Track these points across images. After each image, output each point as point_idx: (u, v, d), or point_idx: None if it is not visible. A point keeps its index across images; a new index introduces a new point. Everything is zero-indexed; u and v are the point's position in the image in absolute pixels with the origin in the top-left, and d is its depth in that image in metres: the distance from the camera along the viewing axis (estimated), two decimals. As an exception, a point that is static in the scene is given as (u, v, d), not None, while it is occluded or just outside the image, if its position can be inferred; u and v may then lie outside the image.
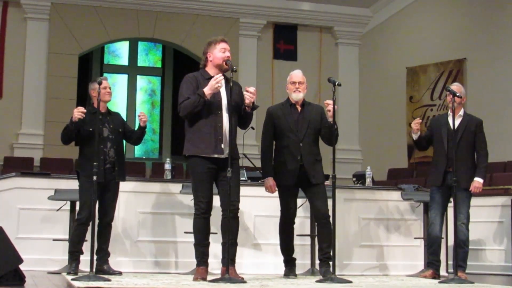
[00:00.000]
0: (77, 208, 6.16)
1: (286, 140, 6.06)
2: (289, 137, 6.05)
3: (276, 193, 6.15)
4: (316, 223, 6.18)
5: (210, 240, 5.48)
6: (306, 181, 6.03)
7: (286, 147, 6.06)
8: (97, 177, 5.61)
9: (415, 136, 6.76)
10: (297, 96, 6.13)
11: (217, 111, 5.42)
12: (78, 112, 5.93)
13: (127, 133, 6.38)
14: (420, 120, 6.75)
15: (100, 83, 5.82)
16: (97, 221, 5.95)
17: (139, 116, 6.32)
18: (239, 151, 5.91)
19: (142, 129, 6.35)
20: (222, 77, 5.37)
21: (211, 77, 5.42)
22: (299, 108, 6.15)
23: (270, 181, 6.10)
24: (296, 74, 6.20)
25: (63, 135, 6.14)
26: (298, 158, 6.01)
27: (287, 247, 6.19)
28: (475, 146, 6.58)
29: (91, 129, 6.00)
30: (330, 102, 5.78)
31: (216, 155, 5.39)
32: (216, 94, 5.40)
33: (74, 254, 6.08)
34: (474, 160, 6.58)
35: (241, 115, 5.57)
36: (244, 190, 5.75)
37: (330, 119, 5.89)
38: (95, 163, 5.46)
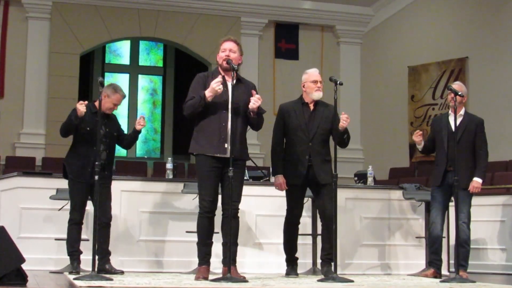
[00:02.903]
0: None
1: (295, 138, 6.04)
2: (299, 136, 6.02)
3: (280, 192, 6.14)
4: (321, 223, 6.14)
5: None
6: (314, 181, 6.00)
7: (295, 146, 6.03)
8: (85, 177, 5.64)
9: (419, 147, 6.77)
10: (319, 95, 6.09)
11: (223, 110, 5.42)
12: (82, 105, 5.87)
13: (120, 137, 6.36)
14: (420, 132, 6.72)
15: (101, 83, 5.72)
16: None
17: (139, 119, 6.27)
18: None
19: (136, 133, 6.32)
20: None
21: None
22: (312, 107, 6.13)
23: (280, 178, 6.06)
24: (316, 73, 6.15)
25: (64, 126, 6.08)
26: (306, 157, 5.98)
27: (290, 246, 6.18)
28: (475, 145, 6.57)
29: (88, 128, 5.99)
30: (346, 117, 5.82)
31: (218, 155, 5.40)
32: (224, 94, 5.40)
33: (73, 254, 6.09)
34: (475, 159, 6.57)
35: (248, 117, 5.55)
36: (245, 189, 5.73)
37: (341, 128, 5.88)
38: (97, 163, 5.43)
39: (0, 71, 12.54)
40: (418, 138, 6.69)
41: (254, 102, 5.40)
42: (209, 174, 5.41)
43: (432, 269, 6.59)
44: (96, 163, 5.39)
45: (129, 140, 6.39)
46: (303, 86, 6.15)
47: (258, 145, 12.66)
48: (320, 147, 6.03)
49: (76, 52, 13.08)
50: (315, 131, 6.02)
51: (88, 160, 5.96)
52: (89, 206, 6.21)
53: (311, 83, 6.09)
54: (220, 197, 5.49)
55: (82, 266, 6.17)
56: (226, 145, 5.37)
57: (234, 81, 5.44)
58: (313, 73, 6.15)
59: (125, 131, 6.61)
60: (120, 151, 12.01)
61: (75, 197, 6.06)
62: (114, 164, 6.31)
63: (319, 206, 6.12)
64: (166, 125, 15.82)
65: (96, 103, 6.10)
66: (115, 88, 6.23)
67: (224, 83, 5.43)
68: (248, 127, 5.63)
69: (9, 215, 6.65)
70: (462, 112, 6.61)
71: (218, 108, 5.42)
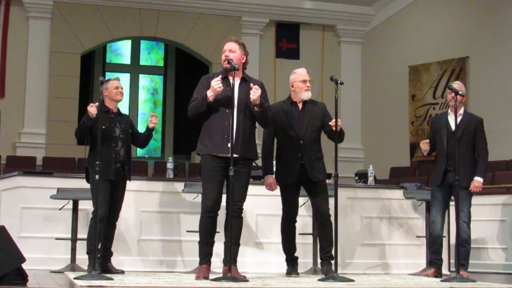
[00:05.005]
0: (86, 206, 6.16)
1: (287, 137, 6.04)
2: (290, 135, 6.03)
3: (278, 192, 6.15)
4: (317, 222, 6.16)
5: (212, 238, 5.49)
6: (307, 179, 6.00)
7: (287, 145, 6.03)
8: (107, 175, 5.65)
9: (425, 153, 6.74)
10: (308, 94, 6.08)
11: (226, 109, 5.43)
12: (93, 108, 5.91)
13: (135, 135, 6.40)
14: (428, 141, 6.68)
15: (102, 83, 5.80)
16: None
17: (151, 117, 6.33)
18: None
19: (149, 131, 6.37)
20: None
21: (225, 77, 5.48)
22: (300, 106, 6.13)
23: (270, 178, 6.09)
24: (305, 73, 6.13)
25: (78, 130, 6.13)
26: (298, 156, 5.98)
27: (289, 245, 6.18)
28: (475, 144, 6.57)
29: (104, 127, 5.99)
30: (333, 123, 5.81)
31: (221, 154, 5.41)
32: (227, 93, 5.41)
33: (92, 252, 5.98)
34: (475, 158, 6.57)
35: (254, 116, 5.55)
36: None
37: (334, 129, 5.88)
38: (106, 161, 5.47)
39: (1, 70, 12.55)
40: (425, 146, 6.66)
41: (253, 93, 5.40)
42: (212, 174, 5.43)
43: (433, 269, 6.58)
44: (118, 165, 5.48)
45: (143, 139, 6.44)
46: (292, 86, 6.14)
47: (259, 144, 12.65)
48: (312, 145, 6.03)
49: (77, 52, 13.09)
50: (306, 129, 6.02)
51: (110, 158, 5.99)
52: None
53: (300, 82, 6.08)
54: (225, 196, 5.49)
55: (82, 265, 6.17)
56: (229, 145, 5.37)
57: (238, 80, 5.45)
58: (301, 73, 6.14)
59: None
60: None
61: (101, 195, 5.99)
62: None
63: (313, 205, 6.10)
64: (167, 124, 15.83)
65: (106, 103, 6.16)
66: (107, 80, 6.31)
67: (227, 83, 5.44)
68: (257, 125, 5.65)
69: (10, 215, 6.65)
70: (461, 111, 6.60)
71: (221, 107, 5.44)
